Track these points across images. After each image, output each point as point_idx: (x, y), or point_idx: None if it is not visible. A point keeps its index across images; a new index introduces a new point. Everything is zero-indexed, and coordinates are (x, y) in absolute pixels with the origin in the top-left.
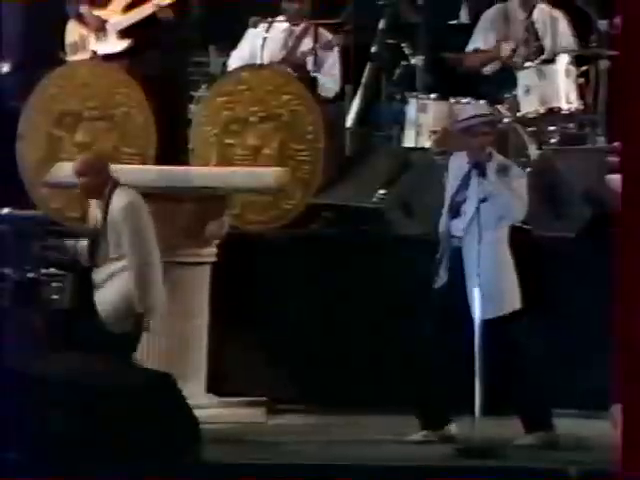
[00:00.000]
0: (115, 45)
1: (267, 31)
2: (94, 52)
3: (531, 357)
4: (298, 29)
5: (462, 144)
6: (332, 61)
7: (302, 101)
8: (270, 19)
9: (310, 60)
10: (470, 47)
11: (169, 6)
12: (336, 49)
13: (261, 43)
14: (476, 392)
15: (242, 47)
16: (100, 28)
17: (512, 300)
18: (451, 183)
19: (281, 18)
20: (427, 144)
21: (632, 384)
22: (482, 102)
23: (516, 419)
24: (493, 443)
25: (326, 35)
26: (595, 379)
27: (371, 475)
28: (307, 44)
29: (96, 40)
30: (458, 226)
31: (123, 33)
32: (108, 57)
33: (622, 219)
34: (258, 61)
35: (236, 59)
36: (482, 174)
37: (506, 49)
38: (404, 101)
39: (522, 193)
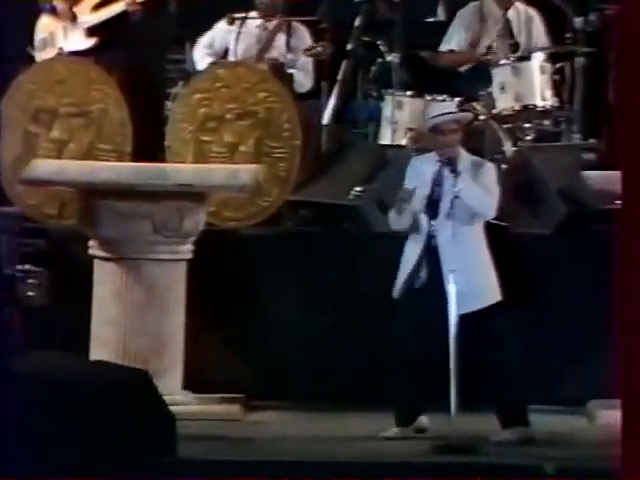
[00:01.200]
0: (82, 42)
1: (240, 27)
2: (61, 49)
3: (507, 353)
4: (271, 24)
5: (433, 142)
6: (305, 57)
7: (278, 98)
8: (243, 14)
9: (284, 56)
10: (445, 46)
11: (144, 3)
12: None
13: (235, 38)
14: (452, 388)
15: (208, 38)
16: (72, 20)
17: (492, 293)
18: (421, 183)
19: (254, 14)
20: (403, 141)
21: (632, 382)
22: (450, 100)
23: (492, 415)
24: (469, 439)
25: (300, 30)
26: (572, 375)
27: (347, 472)
28: (281, 39)
29: (64, 37)
30: (435, 225)
31: (91, 31)
32: (74, 54)
33: (622, 219)
34: (232, 57)
35: (202, 48)
36: (453, 171)
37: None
38: (380, 98)
39: (493, 189)
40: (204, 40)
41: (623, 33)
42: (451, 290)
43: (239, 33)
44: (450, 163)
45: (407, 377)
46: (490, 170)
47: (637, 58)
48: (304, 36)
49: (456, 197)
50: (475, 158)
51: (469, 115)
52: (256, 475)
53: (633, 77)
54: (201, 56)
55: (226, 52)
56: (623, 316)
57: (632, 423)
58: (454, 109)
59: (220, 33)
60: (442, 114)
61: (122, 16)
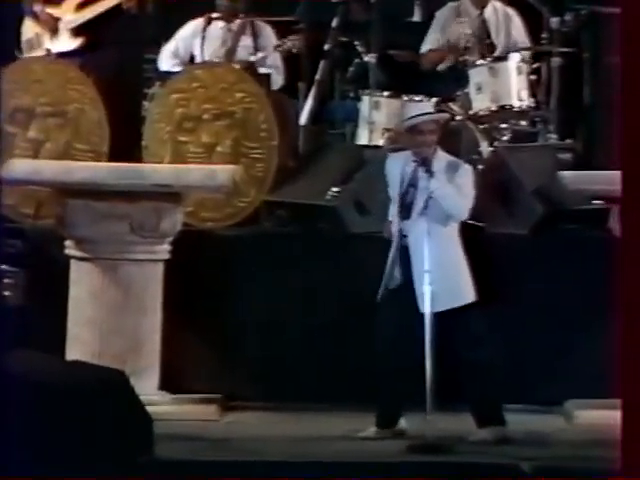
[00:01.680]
0: (68, 43)
1: (204, 31)
2: (48, 50)
3: (483, 352)
4: (235, 25)
5: (411, 142)
6: (274, 54)
7: (256, 99)
8: (206, 17)
9: (252, 56)
10: (424, 48)
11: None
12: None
13: (200, 43)
14: (428, 388)
15: (172, 47)
16: (53, 26)
17: (465, 293)
18: (396, 184)
19: (216, 15)
20: (380, 141)
21: (632, 382)
22: (427, 101)
23: (469, 414)
24: (445, 439)
25: (265, 28)
26: (549, 374)
27: (324, 471)
28: (246, 40)
29: (50, 38)
30: (409, 226)
31: (76, 31)
32: (62, 55)
33: (622, 219)
34: (199, 60)
35: (167, 57)
36: (428, 171)
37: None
38: (357, 99)
39: (468, 191)
40: (168, 49)
41: (623, 33)
42: (424, 290)
43: (203, 37)
44: (424, 163)
45: (385, 379)
46: (466, 172)
47: (637, 58)
48: (270, 34)
49: (430, 197)
50: (452, 159)
51: (446, 115)
52: (233, 475)
53: (633, 77)
54: (168, 66)
55: (192, 58)
56: (623, 316)
57: (632, 423)
58: (431, 109)
59: (184, 40)
60: (420, 114)
61: (107, 15)
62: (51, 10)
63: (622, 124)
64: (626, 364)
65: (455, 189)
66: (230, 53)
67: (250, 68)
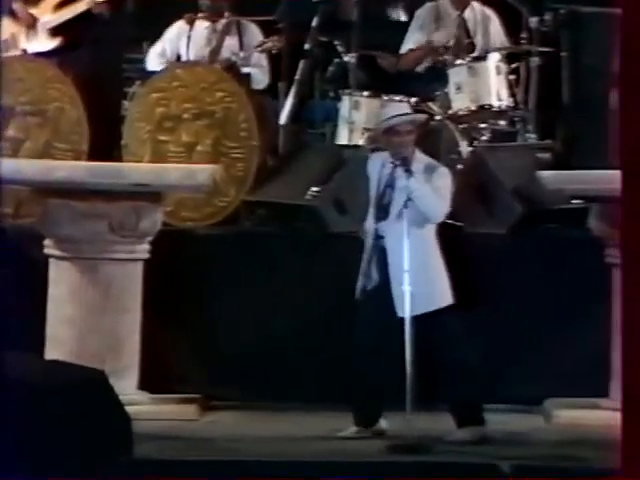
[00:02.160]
0: (45, 44)
1: (190, 30)
2: (24, 50)
3: (462, 352)
4: (220, 24)
5: (388, 143)
6: (259, 54)
7: (236, 98)
8: (191, 17)
9: (236, 55)
10: (404, 48)
11: (107, 2)
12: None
13: (186, 43)
14: (407, 388)
15: (159, 48)
16: (31, 25)
17: (442, 296)
18: (374, 184)
19: (201, 15)
20: (360, 141)
21: (632, 382)
22: (405, 101)
23: (448, 414)
24: (425, 439)
25: (251, 27)
26: (527, 374)
27: (304, 471)
28: (232, 39)
29: (26, 38)
30: (387, 227)
31: (54, 31)
32: (39, 55)
33: (623, 219)
34: (184, 60)
35: (155, 58)
36: (407, 171)
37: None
38: (337, 98)
39: (445, 194)
40: (156, 49)
41: (624, 33)
42: (402, 292)
43: (189, 37)
44: (404, 163)
45: (364, 378)
46: (444, 174)
47: (637, 58)
48: (255, 33)
49: (408, 199)
50: (430, 161)
51: (423, 116)
52: (213, 475)
53: (633, 77)
54: (155, 66)
55: (179, 58)
56: (624, 316)
57: (632, 423)
58: (408, 110)
59: (170, 41)
60: (396, 116)
61: (86, 15)
62: (29, 9)
63: (622, 124)
64: (626, 364)
65: (433, 191)
66: (214, 53)
67: (233, 67)
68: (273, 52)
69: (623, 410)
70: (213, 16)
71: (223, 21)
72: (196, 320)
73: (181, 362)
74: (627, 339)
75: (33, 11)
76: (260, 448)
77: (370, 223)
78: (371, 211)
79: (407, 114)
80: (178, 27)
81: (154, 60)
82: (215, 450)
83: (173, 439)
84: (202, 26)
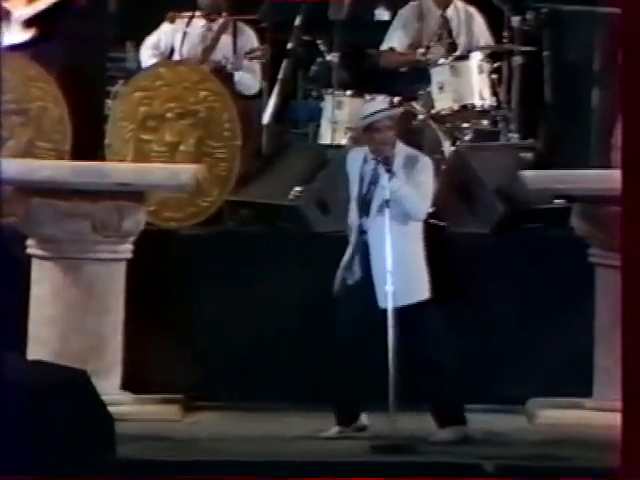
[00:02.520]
0: (19, 36)
1: (187, 26)
2: None
3: (444, 351)
4: (216, 24)
5: (369, 141)
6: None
7: (219, 98)
8: (189, 14)
9: (228, 57)
10: (385, 45)
11: None
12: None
13: (181, 38)
14: (390, 387)
15: (155, 39)
16: (6, 16)
17: (421, 290)
18: (356, 180)
19: (199, 13)
20: (343, 141)
21: (632, 382)
22: (380, 97)
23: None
24: (408, 439)
25: (246, 31)
26: (510, 373)
27: (286, 471)
28: (226, 40)
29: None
30: (368, 223)
31: (28, 23)
32: (12, 48)
33: (623, 219)
34: (177, 57)
35: (148, 48)
36: (389, 171)
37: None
38: (320, 98)
39: (427, 189)
40: (151, 40)
41: (624, 34)
42: (384, 288)
43: (185, 33)
44: (386, 162)
45: (345, 376)
46: (425, 165)
47: (637, 58)
48: (250, 37)
49: (390, 197)
50: (411, 152)
51: (399, 110)
52: (196, 475)
53: (633, 77)
54: (147, 57)
55: (172, 52)
56: (624, 316)
57: (632, 423)
58: (384, 106)
59: (166, 34)
60: (372, 113)
61: (59, 7)
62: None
63: (623, 125)
64: (626, 365)
65: (415, 188)
66: (208, 51)
67: (222, 70)
68: (262, 61)
69: (623, 410)
70: (211, 15)
71: (220, 21)
72: (179, 320)
73: (164, 362)
74: (627, 339)
75: (6, 5)
76: (243, 448)
77: (353, 218)
78: (353, 206)
79: (384, 109)
80: (175, 22)
81: (147, 50)
82: (198, 450)
83: (156, 439)
84: (199, 24)
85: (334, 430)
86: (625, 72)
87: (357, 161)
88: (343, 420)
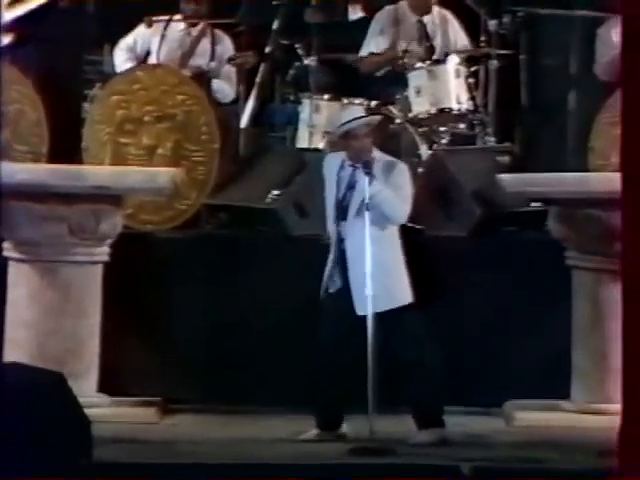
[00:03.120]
0: None
1: (165, 30)
2: None
3: (422, 354)
4: (195, 30)
5: (347, 147)
6: (229, 66)
7: (197, 101)
8: (168, 18)
9: (207, 63)
10: (364, 51)
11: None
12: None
13: (158, 42)
14: (369, 390)
15: (130, 41)
16: None
17: (402, 295)
18: (333, 185)
19: (178, 17)
20: (321, 145)
21: (632, 381)
22: (358, 105)
23: (409, 416)
24: (387, 441)
25: (224, 38)
26: (488, 376)
27: (265, 474)
28: (204, 46)
29: None
30: (347, 228)
31: (6, 28)
32: None
33: (623, 220)
34: (154, 60)
35: (123, 51)
36: (368, 174)
37: (399, 50)
38: (298, 102)
39: (406, 193)
40: (125, 43)
41: (625, 35)
42: (364, 293)
43: (163, 37)
44: (366, 166)
45: (326, 380)
46: (403, 171)
47: (638, 60)
48: (227, 45)
49: (369, 203)
50: (388, 159)
51: (377, 118)
52: (173, 477)
53: (633, 77)
54: (122, 60)
55: (147, 56)
56: (625, 316)
57: (632, 423)
58: (363, 113)
59: (142, 36)
60: (351, 120)
61: (37, 11)
62: None
63: (623, 127)
64: (626, 366)
65: (394, 192)
66: (186, 56)
67: (201, 76)
68: (246, 67)
69: (623, 410)
70: (190, 20)
71: (199, 27)
72: (156, 323)
73: (141, 365)
74: (627, 340)
75: None
76: (220, 451)
77: (330, 225)
78: (329, 212)
79: (362, 117)
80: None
81: (122, 52)
82: (175, 453)
83: (133, 442)
84: (177, 28)
85: (313, 433)
86: (625, 72)
87: (334, 166)
88: (324, 425)
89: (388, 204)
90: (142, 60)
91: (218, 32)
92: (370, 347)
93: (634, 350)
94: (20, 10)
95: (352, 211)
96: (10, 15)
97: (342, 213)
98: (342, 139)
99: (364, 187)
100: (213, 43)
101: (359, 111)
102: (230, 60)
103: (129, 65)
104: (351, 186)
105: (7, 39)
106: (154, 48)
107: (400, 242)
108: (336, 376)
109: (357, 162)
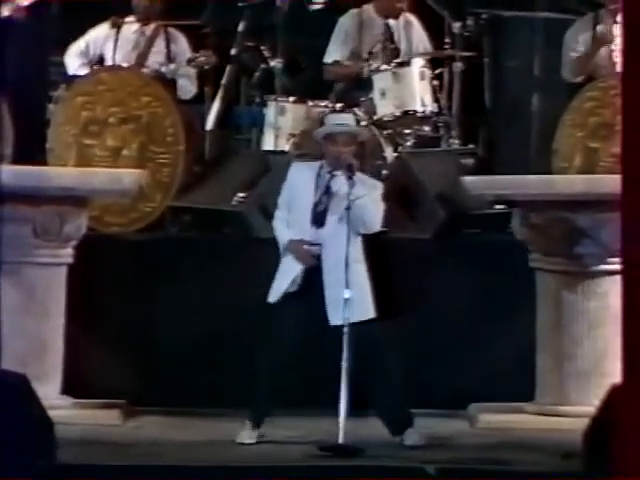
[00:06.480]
0: None
1: (117, 33)
2: None
3: (388, 360)
4: (149, 29)
5: (325, 151)
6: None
7: (161, 103)
8: (121, 19)
9: (163, 62)
10: (328, 58)
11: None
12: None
13: (113, 44)
14: (342, 394)
15: (82, 45)
16: None
17: (366, 308)
18: (310, 192)
19: (131, 18)
20: (286, 147)
21: (632, 381)
22: (348, 113)
23: (375, 419)
24: (352, 443)
25: (178, 36)
26: (452, 378)
27: (226, 475)
28: (159, 45)
29: None
30: (320, 235)
31: None
32: None
33: (623, 221)
34: (110, 63)
35: (75, 56)
36: (350, 178)
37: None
38: (263, 104)
39: (381, 205)
40: (77, 47)
41: (625, 35)
42: (339, 299)
43: (116, 40)
44: (349, 169)
45: (268, 378)
46: (378, 187)
47: (638, 62)
48: (182, 43)
49: (348, 207)
50: (363, 175)
51: (367, 134)
52: (134, 478)
53: (633, 78)
54: (76, 67)
55: (101, 59)
56: (625, 316)
57: (632, 423)
58: (352, 122)
59: (95, 40)
60: (342, 123)
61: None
62: None
63: (623, 129)
64: (626, 366)
65: (371, 199)
66: (142, 57)
67: (160, 75)
68: (205, 67)
69: (624, 411)
70: (143, 20)
71: (152, 26)
72: (119, 325)
73: (104, 367)
74: (628, 340)
75: None
76: (183, 453)
77: (304, 230)
78: (300, 218)
79: (355, 127)
80: (104, 28)
81: (74, 57)
82: (138, 455)
83: (96, 444)
84: (130, 30)
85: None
86: (625, 72)
87: (307, 174)
88: (255, 423)
89: (367, 210)
90: (95, 64)
91: (172, 31)
92: (345, 352)
93: (634, 350)
94: None
95: (329, 217)
96: None
97: (319, 219)
98: (323, 140)
99: (344, 192)
100: (168, 41)
101: (350, 119)
102: (190, 61)
103: (84, 71)
104: (327, 192)
105: None
106: (108, 50)
107: (363, 248)
108: (280, 378)
109: (338, 167)
